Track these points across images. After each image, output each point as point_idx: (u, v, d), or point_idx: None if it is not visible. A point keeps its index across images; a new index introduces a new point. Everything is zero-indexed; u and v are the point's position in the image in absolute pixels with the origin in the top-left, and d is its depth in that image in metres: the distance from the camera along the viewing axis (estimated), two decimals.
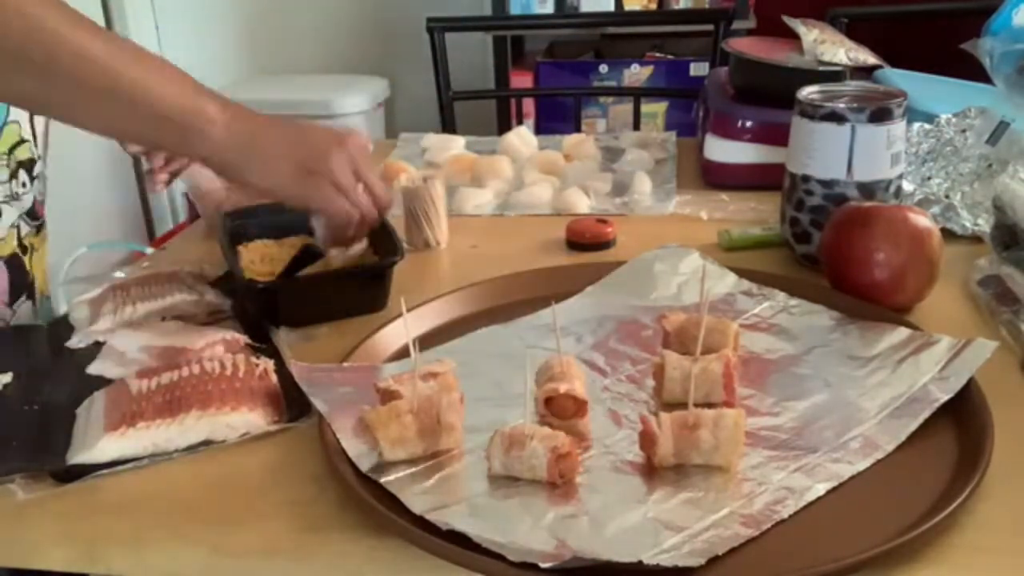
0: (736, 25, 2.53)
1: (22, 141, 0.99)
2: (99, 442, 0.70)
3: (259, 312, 0.91)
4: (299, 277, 0.92)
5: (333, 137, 0.85)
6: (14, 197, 0.99)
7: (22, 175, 1.00)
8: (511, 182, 1.29)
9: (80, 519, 0.66)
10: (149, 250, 1.27)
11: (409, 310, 0.80)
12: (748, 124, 1.21)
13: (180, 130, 0.77)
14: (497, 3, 2.85)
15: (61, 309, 1.07)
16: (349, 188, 0.84)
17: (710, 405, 0.69)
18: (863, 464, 0.65)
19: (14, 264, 1.01)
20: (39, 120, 1.02)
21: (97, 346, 0.87)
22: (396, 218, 1.04)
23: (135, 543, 0.63)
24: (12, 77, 0.73)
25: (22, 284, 1.02)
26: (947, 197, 1.08)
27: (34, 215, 1.03)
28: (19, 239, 1.01)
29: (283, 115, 0.86)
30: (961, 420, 0.69)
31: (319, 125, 0.87)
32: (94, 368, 0.84)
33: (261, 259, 0.99)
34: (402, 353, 0.83)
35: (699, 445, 0.65)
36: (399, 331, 0.82)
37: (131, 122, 0.78)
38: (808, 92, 0.97)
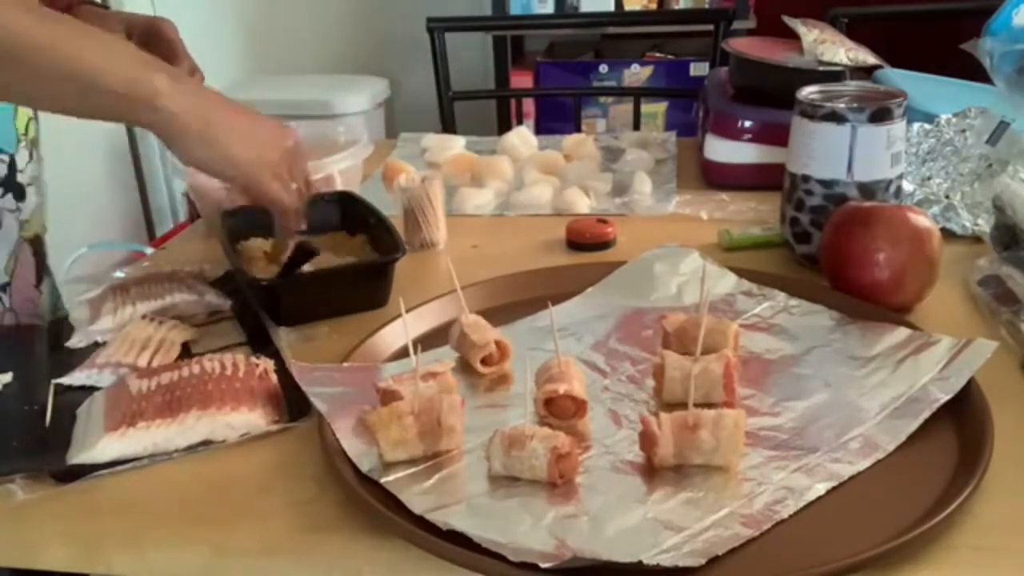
0: (736, 25, 2.53)
1: (31, 119, 1.00)
2: (99, 442, 0.70)
3: (263, 310, 0.91)
4: (302, 274, 0.92)
5: (279, 131, 0.87)
6: (36, 178, 0.99)
7: (35, 154, 1.00)
8: (511, 182, 1.29)
9: (80, 519, 0.66)
10: (149, 250, 1.27)
11: (408, 310, 0.80)
12: (748, 124, 1.21)
13: (129, 103, 0.77)
14: (497, 3, 2.85)
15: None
16: (289, 180, 0.87)
17: (710, 405, 0.69)
18: (863, 464, 0.65)
19: (37, 245, 1.02)
20: None
21: (97, 346, 0.87)
22: (395, 218, 1.04)
23: (135, 543, 0.63)
24: None
25: (43, 265, 1.03)
26: (947, 197, 1.08)
27: (42, 194, 1.03)
28: (42, 220, 1.02)
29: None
30: (961, 420, 0.69)
31: (264, 116, 0.88)
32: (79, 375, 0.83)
33: (260, 258, 0.99)
34: (402, 353, 0.83)
35: (699, 445, 0.65)
36: (399, 331, 0.82)
37: (81, 100, 0.77)
38: (808, 92, 0.97)
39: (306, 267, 0.93)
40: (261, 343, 0.87)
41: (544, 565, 0.55)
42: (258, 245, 1.01)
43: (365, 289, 0.93)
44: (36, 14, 0.74)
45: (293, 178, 0.88)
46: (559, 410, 0.71)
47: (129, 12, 1.04)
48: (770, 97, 1.18)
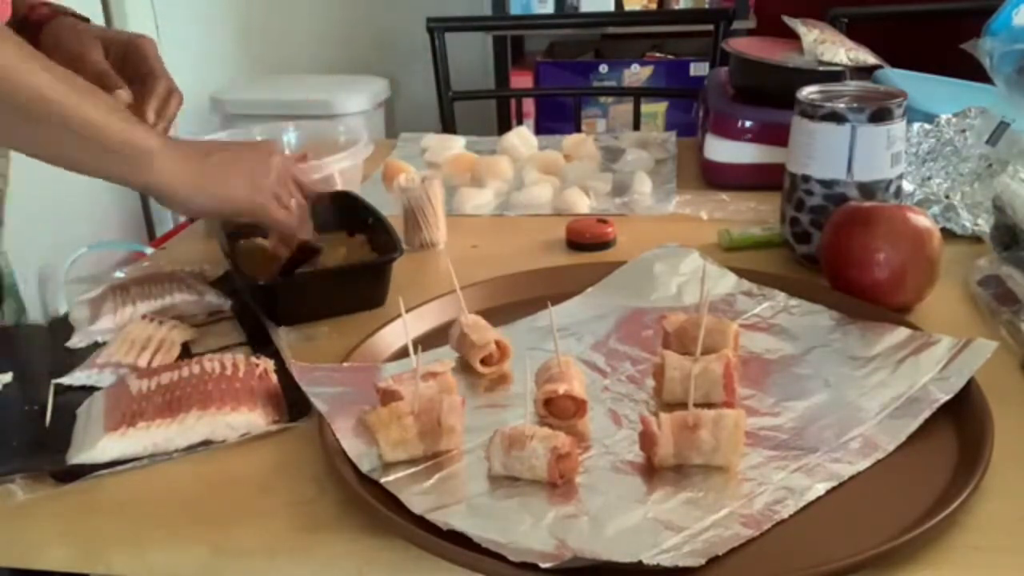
0: (736, 25, 2.53)
1: None
2: (99, 442, 0.70)
3: (261, 309, 0.91)
4: (299, 274, 0.92)
5: (262, 151, 0.89)
6: None
7: None
8: (511, 182, 1.29)
9: (80, 519, 0.66)
10: (149, 250, 1.27)
11: (408, 310, 0.80)
12: (748, 124, 1.21)
13: (127, 161, 0.78)
14: (497, 3, 2.85)
15: (61, 309, 1.08)
16: (287, 197, 0.89)
17: (710, 405, 0.69)
18: (863, 464, 0.65)
19: None
20: None
21: (97, 346, 0.87)
22: (395, 218, 1.04)
23: (135, 543, 0.63)
24: None
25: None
26: (947, 197, 1.08)
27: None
28: None
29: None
30: (961, 420, 0.69)
31: (241, 142, 0.92)
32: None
33: (259, 258, 0.99)
34: (402, 353, 0.83)
35: (699, 445, 0.65)
36: (399, 331, 0.82)
37: (80, 154, 0.78)
38: (808, 92, 0.97)
39: (303, 266, 0.93)
40: (261, 343, 0.87)
41: (544, 565, 0.55)
42: (258, 245, 1.01)
43: (362, 289, 0.93)
44: (37, 60, 0.74)
45: (290, 190, 0.89)
46: (559, 410, 0.71)
47: (105, 28, 1.03)
48: (770, 97, 1.18)
